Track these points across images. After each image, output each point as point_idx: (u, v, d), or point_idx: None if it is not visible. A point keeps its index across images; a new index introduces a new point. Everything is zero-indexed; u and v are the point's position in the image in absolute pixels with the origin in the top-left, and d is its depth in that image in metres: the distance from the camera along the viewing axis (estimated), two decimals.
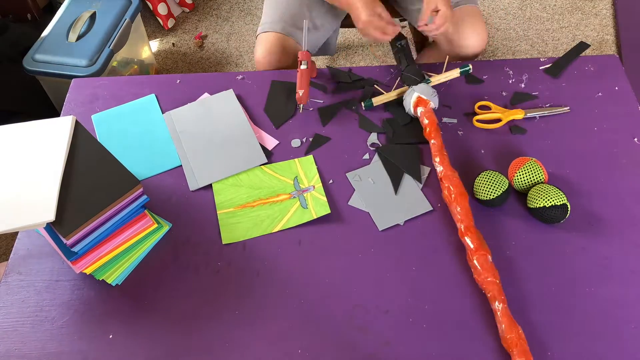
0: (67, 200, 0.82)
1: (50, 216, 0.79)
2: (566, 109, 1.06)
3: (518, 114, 1.06)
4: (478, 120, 1.07)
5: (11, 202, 0.81)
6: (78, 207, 0.81)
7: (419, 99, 1.04)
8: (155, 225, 0.93)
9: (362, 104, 1.10)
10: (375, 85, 1.13)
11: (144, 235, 0.92)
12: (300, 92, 1.06)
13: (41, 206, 0.80)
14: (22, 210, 0.80)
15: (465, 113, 1.09)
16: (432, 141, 0.99)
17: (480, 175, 0.95)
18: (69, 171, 0.85)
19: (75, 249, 0.82)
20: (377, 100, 1.09)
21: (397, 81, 1.13)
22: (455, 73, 1.10)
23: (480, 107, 1.09)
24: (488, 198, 0.93)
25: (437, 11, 1.07)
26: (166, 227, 0.96)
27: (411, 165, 1.01)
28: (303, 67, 1.09)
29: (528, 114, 1.06)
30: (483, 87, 1.13)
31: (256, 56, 1.26)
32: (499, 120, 1.06)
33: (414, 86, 1.06)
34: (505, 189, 0.92)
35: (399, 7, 1.40)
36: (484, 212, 0.95)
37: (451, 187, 0.92)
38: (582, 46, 1.18)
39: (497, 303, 0.81)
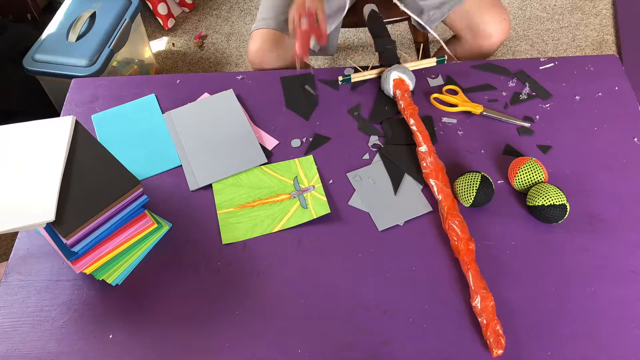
0: (67, 200, 0.82)
1: (50, 216, 0.79)
2: (527, 124, 1.05)
3: (476, 109, 1.07)
4: (435, 99, 1.10)
5: (11, 202, 0.81)
6: (78, 207, 0.81)
7: (396, 80, 1.08)
8: (155, 225, 0.93)
9: (339, 79, 1.12)
10: (351, 61, 1.15)
11: (144, 235, 0.92)
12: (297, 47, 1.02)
13: (41, 206, 0.80)
14: (22, 210, 0.80)
15: (465, 113, 1.09)
16: (412, 121, 1.03)
17: (455, 183, 0.95)
18: (69, 171, 0.85)
19: (75, 249, 0.82)
20: (355, 77, 1.13)
21: (374, 62, 1.15)
22: (432, 61, 1.14)
23: (448, 91, 1.11)
24: (469, 204, 0.93)
25: None
26: (166, 227, 0.96)
27: (412, 166, 1.01)
28: (304, 26, 1.02)
29: (484, 112, 1.06)
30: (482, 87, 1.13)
31: (249, 53, 1.26)
32: (455, 105, 1.09)
33: (391, 67, 1.09)
34: (477, 187, 0.91)
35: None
36: (483, 212, 0.95)
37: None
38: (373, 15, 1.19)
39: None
